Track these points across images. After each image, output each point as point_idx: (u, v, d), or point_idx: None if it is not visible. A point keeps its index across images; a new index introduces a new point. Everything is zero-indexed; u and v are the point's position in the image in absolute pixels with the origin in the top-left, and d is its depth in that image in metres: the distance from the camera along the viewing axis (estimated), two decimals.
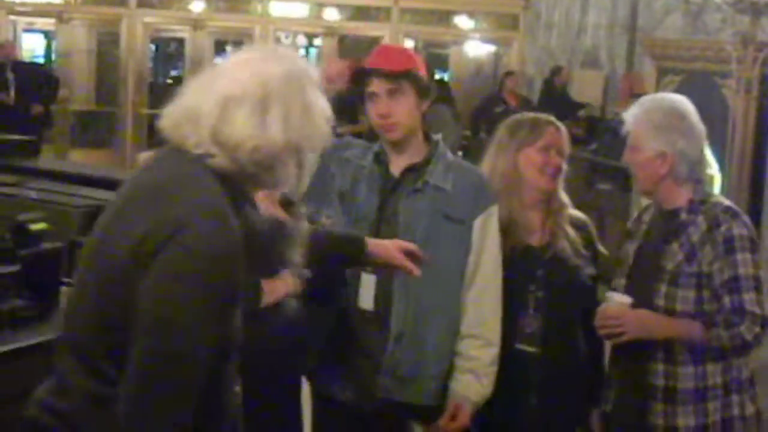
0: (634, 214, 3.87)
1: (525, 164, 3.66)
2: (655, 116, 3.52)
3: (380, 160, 3.51)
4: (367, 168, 3.50)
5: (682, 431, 3.48)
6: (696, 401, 3.48)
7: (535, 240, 3.68)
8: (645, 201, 3.81)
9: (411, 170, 3.48)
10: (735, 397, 3.51)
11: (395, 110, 3.42)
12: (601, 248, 3.81)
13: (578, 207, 3.85)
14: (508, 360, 3.53)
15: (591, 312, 3.59)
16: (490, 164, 3.72)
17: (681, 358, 3.48)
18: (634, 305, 3.47)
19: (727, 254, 3.40)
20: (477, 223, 3.48)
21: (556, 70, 13.71)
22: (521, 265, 3.61)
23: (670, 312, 3.46)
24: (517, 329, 3.59)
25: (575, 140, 11.88)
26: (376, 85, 3.43)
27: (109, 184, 6.70)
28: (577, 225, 3.75)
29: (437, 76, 15.32)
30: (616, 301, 3.49)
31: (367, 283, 3.43)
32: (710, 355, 3.47)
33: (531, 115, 3.87)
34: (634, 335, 3.45)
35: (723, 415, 3.49)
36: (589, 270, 3.71)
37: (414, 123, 3.47)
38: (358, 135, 5.39)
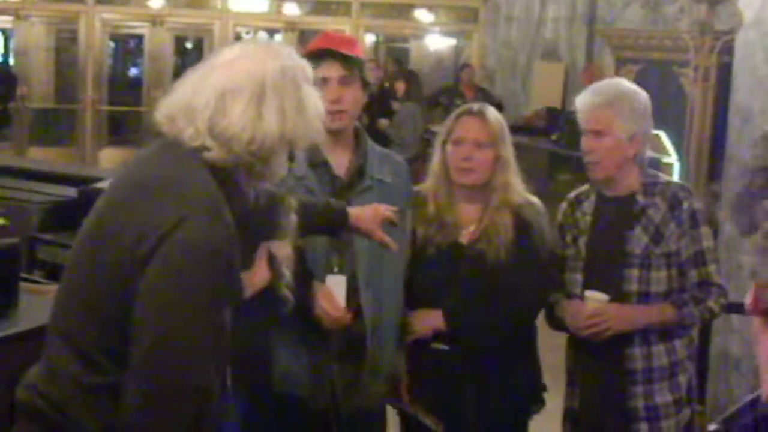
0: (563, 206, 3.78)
1: (448, 158, 3.63)
2: (624, 99, 3.53)
3: (315, 162, 3.47)
4: (307, 178, 3.44)
5: (661, 409, 3.55)
6: (670, 376, 3.55)
7: (465, 236, 3.63)
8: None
9: (355, 169, 3.49)
10: (691, 366, 3.60)
11: (345, 97, 3.42)
12: (543, 245, 3.64)
13: (539, 197, 3.83)
14: (424, 358, 3.61)
15: (516, 315, 3.59)
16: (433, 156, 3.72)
17: (653, 337, 3.54)
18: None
19: (692, 229, 3.47)
20: (409, 210, 3.57)
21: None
22: (444, 263, 3.60)
23: (644, 295, 3.49)
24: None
25: (536, 131, 12.00)
26: (329, 70, 3.39)
27: (69, 181, 6.65)
28: (523, 221, 3.61)
29: (406, 69, 15.25)
30: (594, 298, 3.50)
31: (338, 284, 3.41)
32: (676, 330, 3.55)
33: (464, 105, 3.80)
34: (617, 329, 3.47)
35: (688, 385, 3.58)
36: (512, 271, 3.55)
37: (356, 114, 3.50)
38: None
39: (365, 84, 3.50)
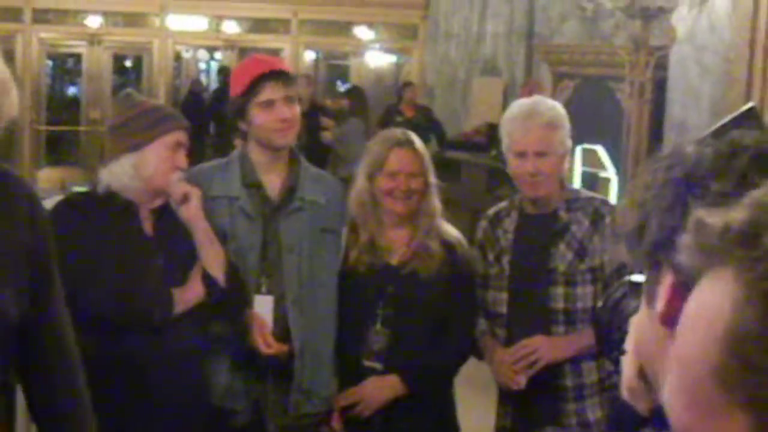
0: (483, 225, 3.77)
1: (377, 190, 3.63)
2: (562, 118, 3.56)
3: (248, 182, 3.52)
4: (241, 198, 3.51)
5: (593, 426, 3.55)
6: (600, 392, 3.56)
7: (395, 258, 3.66)
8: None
9: (287, 190, 3.52)
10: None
11: (294, 114, 3.48)
12: (468, 268, 3.69)
13: (478, 212, 3.87)
14: (356, 377, 3.61)
15: (441, 331, 3.62)
16: (356, 185, 3.70)
17: (583, 354, 3.55)
18: (527, 312, 3.53)
19: (615, 243, 3.48)
20: (344, 230, 3.63)
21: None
22: (374, 282, 3.62)
23: (570, 312, 3.51)
24: (365, 346, 3.61)
25: (476, 147, 12.06)
26: (274, 91, 3.46)
27: None
28: (447, 244, 3.67)
29: (350, 86, 15.27)
30: None
31: (264, 304, 3.46)
32: None
33: (383, 135, 3.84)
34: (548, 359, 3.49)
35: (617, 402, 3.58)
36: (442, 289, 3.61)
37: (298, 130, 3.57)
38: None
39: (299, 100, 3.59)
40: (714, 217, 0.86)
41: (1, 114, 2.35)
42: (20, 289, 2.35)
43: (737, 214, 0.82)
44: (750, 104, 1.45)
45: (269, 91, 3.46)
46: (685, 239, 0.89)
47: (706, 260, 0.87)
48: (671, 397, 0.90)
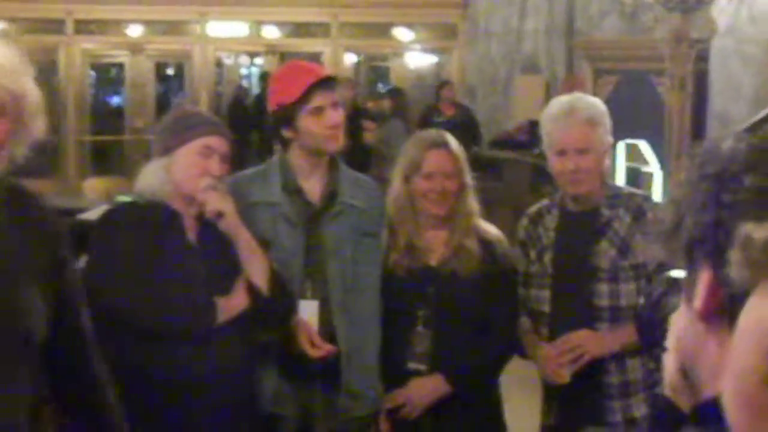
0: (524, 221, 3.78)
1: (413, 191, 3.65)
2: (602, 114, 3.55)
3: (289, 188, 3.53)
4: (282, 204, 3.52)
5: (639, 422, 3.53)
6: (645, 389, 3.53)
7: (435, 259, 3.67)
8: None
9: (328, 194, 3.53)
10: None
11: (341, 119, 3.51)
12: (508, 266, 3.71)
13: (521, 211, 3.87)
14: (401, 379, 3.62)
15: (484, 330, 3.63)
16: (392, 187, 3.72)
17: (627, 350, 3.53)
18: (570, 310, 3.52)
19: (650, 242, 3.45)
20: (383, 233, 3.62)
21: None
22: (414, 283, 3.63)
23: (615, 309, 3.49)
24: (408, 348, 3.62)
25: (518, 145, 12.03)
26: (324, 98, 3.47)
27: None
28: (486, 243, 3.69)
29: (390, 87, 15.29)
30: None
31: (309, 309, 3.47)
32: None
33: (418, 136, 3.87)
34: (592, 354, 3.48)
35: (659, 399, 3.56)
36: (483, 288, 3.62)
37: None
38: None
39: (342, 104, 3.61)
40: (761, 232, 0.87)
41: (30, 136, 2.38)
42: (45, 307, 2.37)
43: None
44: None
45: (319, 98, 3.46)
46: (733, 254, 0.90)
47: (755, 274, 0.87)
48: (727, 402, 0.92)
